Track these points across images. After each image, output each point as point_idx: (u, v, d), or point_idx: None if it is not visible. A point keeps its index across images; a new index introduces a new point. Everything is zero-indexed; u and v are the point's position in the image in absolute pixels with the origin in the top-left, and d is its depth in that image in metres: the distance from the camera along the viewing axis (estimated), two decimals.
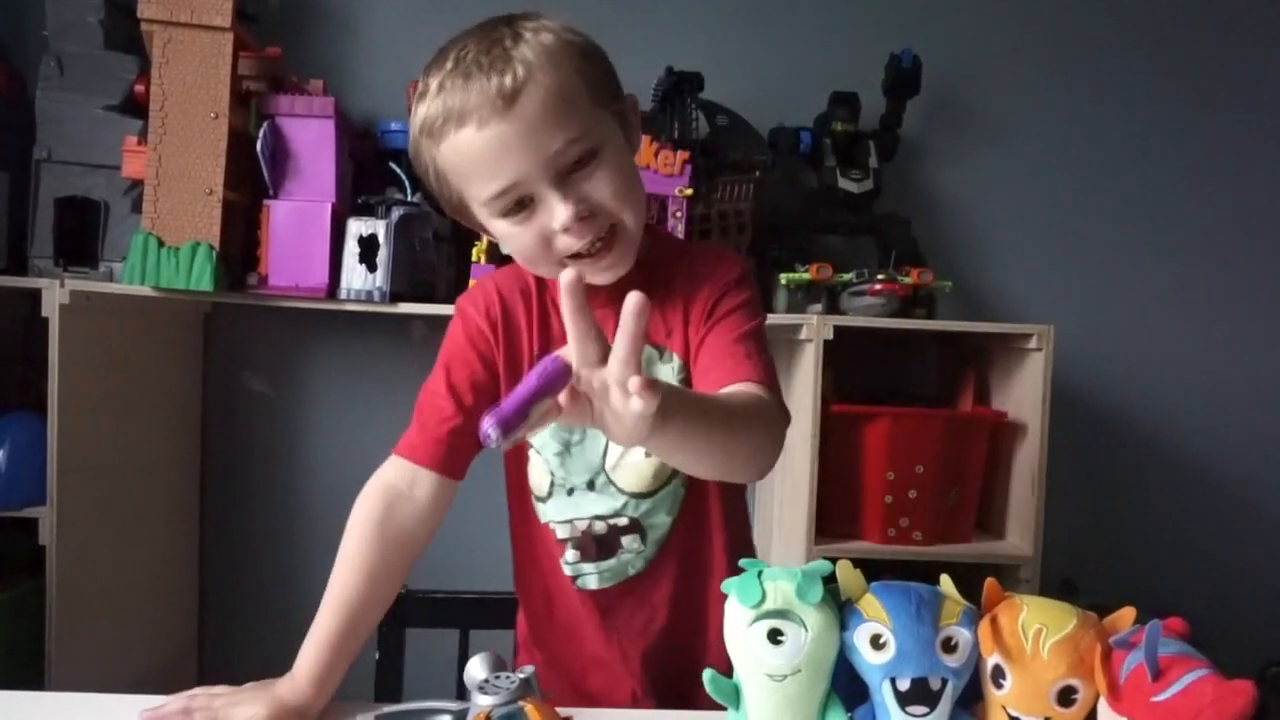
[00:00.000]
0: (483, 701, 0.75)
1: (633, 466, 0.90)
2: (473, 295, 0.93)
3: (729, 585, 0.76)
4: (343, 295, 1.46)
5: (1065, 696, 0.69)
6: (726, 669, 0.75)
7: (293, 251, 1.44)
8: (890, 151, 1.82)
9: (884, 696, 0.73)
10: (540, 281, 0.91)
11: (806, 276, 1.60)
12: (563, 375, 0.59)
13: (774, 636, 0.72)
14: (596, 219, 0.81)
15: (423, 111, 0.80)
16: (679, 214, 1.52)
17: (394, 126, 1.60)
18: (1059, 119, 1.94)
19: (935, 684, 0.72)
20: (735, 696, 0.76)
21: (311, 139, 1.45)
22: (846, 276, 1.60)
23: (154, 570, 1.71)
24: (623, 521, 0.92)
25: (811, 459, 1.48)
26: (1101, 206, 1.95)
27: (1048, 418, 1.52)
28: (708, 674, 0.76)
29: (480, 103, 0.76)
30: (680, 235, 1.53)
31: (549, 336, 0.90)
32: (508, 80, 0.76)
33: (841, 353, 1.51)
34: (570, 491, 0.92)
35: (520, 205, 0.80)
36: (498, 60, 0.77)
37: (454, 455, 0.89)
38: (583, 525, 0.92)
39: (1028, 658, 0.70)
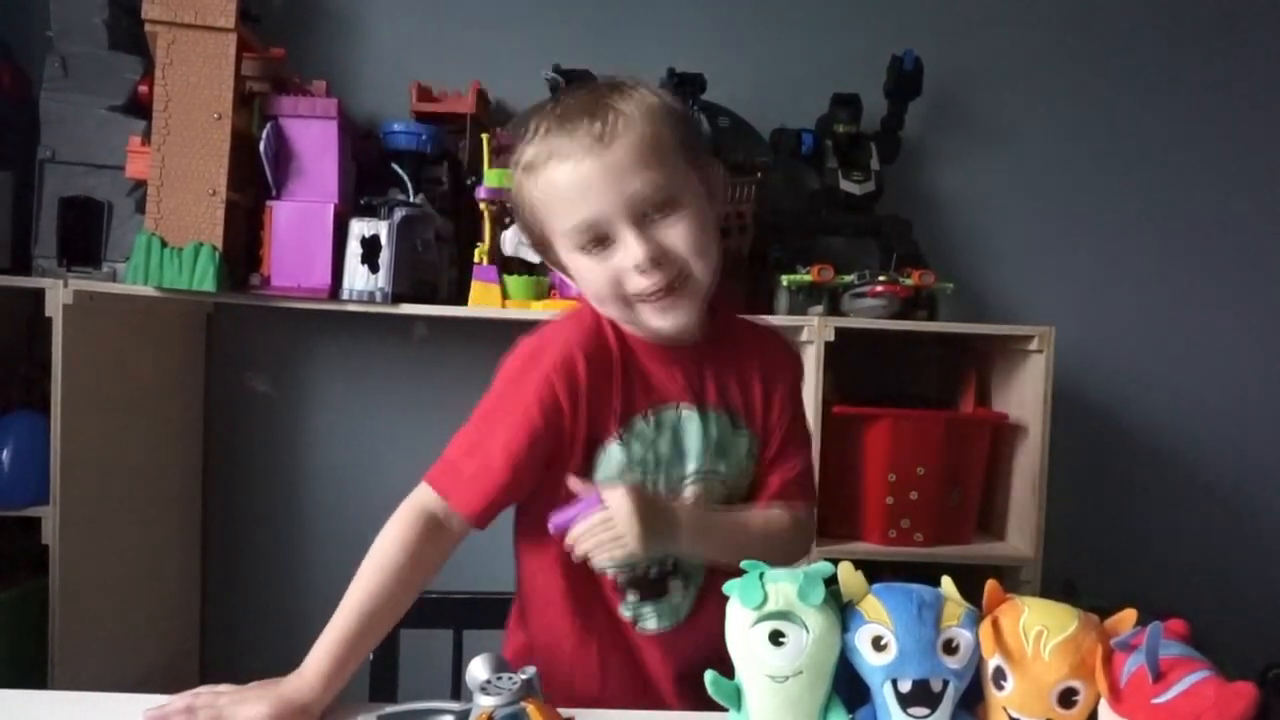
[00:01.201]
0: (485, 702, 0.76)
1: None
2: (556, 362, 0.89)
3: (731, 587, 0.76)
4: (345, 296, 1.46)
5: (1066, 698, 0.69)
6: None
7: (295, 252, 1.45)
8: (892, 153, 1.82)
9: (885, 698, 0.73)
10: (620, 337, 0.92)
11: (808, 278, 1.60)
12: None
13: (776, 638, 0.72)
14: (668, 265, 0.85)
15: (524, 150, 0.87)
16: None
17: (396, 127, 1.60)
18: (1060, 121, 1.94)
19: (937, 685, 0.72)
20: (737, 697, 0.77)
21: (314, 140, 1.45)
22: (848, 278, 1.60)
23: (156, 570, 1.72)
24: (669, 565, 0.96)
25: (814, 460, 1.48)
26: (1102, 208, 1.95)
27: (1049, 419, 1.53)
28: (709, 675, 0.76)
29: (578, 143, 0.83)
30: None
31: (630, 393, 0.91)
32: (604, 125, 0.83)
33: (843, 354, 1.51)
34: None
35: (598, 241, 0.85)
36: (599, 109, 0.84)
37: (491, 511, 0.90)
38: (640, 570, 0.95)
39: (1029, 659, 0.70)
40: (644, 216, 0.84)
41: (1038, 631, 0.70)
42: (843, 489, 1.54)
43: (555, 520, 0.81)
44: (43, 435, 1.44)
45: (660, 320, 0.88)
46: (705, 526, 0.91)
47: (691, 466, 0.93)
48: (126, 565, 1.61)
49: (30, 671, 1.41)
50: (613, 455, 0.90)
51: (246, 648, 1.85)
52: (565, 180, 0.84)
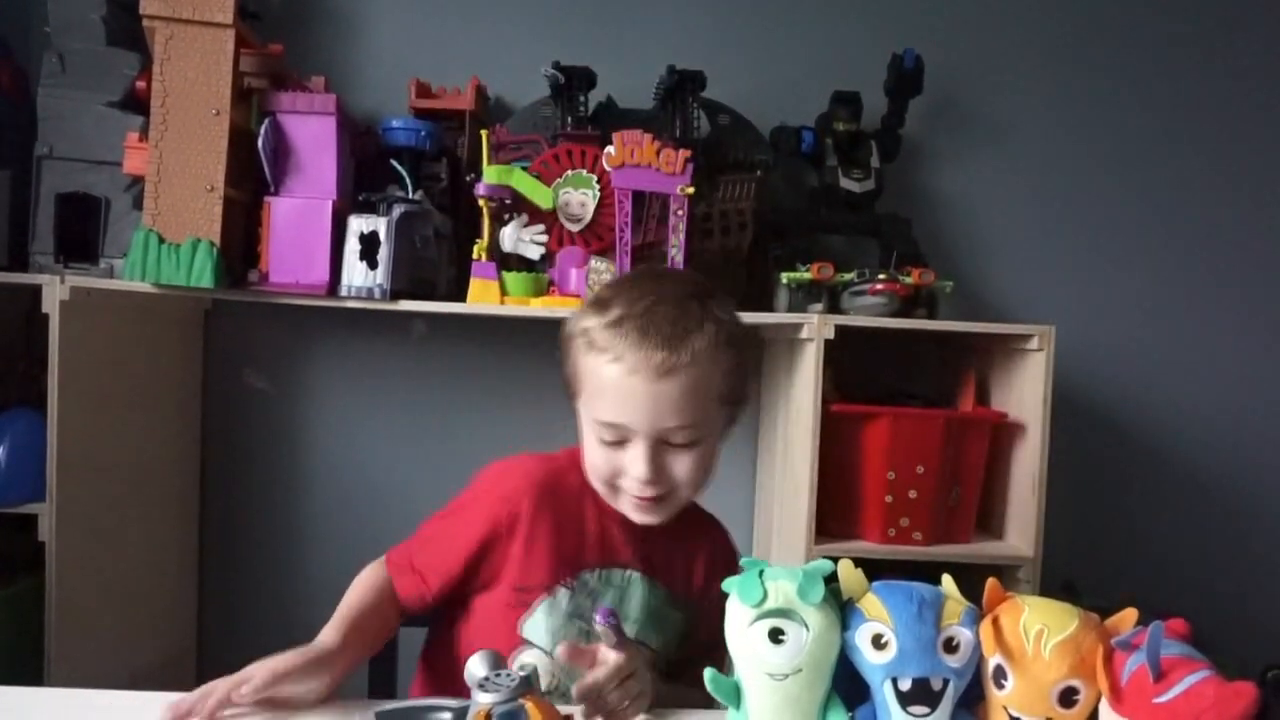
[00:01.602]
0: (483, 699, 0.75)
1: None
2: (511, 483, 0.99)
3: (730, 584, 0.76)
4: (343, 292, 1.45)
5: (1067, 697, 0.69)
6: None
7: (293, 248, 1.44)
8: (892, 151, 1.81)
9: (885, 696, 0.73)
10: (585, 485, 0.99)
11: (808, 276, 1.59)
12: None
13: (775, 636, 0.72)
14: (663, 485, 0.93)
15: (594, 324, 0.91)
16: (680, 213, 1.52)
17: (395, 124, 1.60)
18: (1061, 119, 1.94)
19: (937, 684, 0.72)
20: (736, 695, 0.76)
21: (313, 136, 1.45)
22: (848, 276, 1.60)
23: (154, 567, 1.71)
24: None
25: (812, 459, 1.48)
26: (1103, 207, 1.95)
27: (1049, 419, 1.52)
28: (709, 673, 0.76)
29: (641, 361, 0.88)
30: (682, 235, 1.53)
31: (583, 544, 0.98)
32: (672, 359, 0.88)
33: (842, 353, 1.51)
34: (564, 694, 0.95)
35: (615, 439, 0.92)
36: (676, 340, 0.88)
37: (420, 608, 1.00)
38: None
39: (1029, 659, 0.70)
40: (663, 442, 0.91)
41: (1038, 630, 0.70)
42: (841, 488, 1.54)
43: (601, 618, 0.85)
44: (39, 432, 1.44)
45: (636, 516, 0.96)
46: (680, 690, 0.93)
47: (629, 631, 0.96)
48: (123, 563, 1.60)
49: (26, 670, 1.41)
50: (560, 603, 0.96)
51: (244, 645, 1.81)
52: (615, 381, 0.89)
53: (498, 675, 0.78)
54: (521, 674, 0.78)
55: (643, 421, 0.89)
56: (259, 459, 1.87)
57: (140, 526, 1.65)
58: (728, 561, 1.05)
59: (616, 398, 0.89)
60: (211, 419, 1.86)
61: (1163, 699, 0.63)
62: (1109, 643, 0.69)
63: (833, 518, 1.54)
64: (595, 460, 0.94)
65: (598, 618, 0.86)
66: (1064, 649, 0.69)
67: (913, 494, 1.54)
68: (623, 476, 0.93)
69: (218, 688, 0.80)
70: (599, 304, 0.94)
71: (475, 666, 0.80)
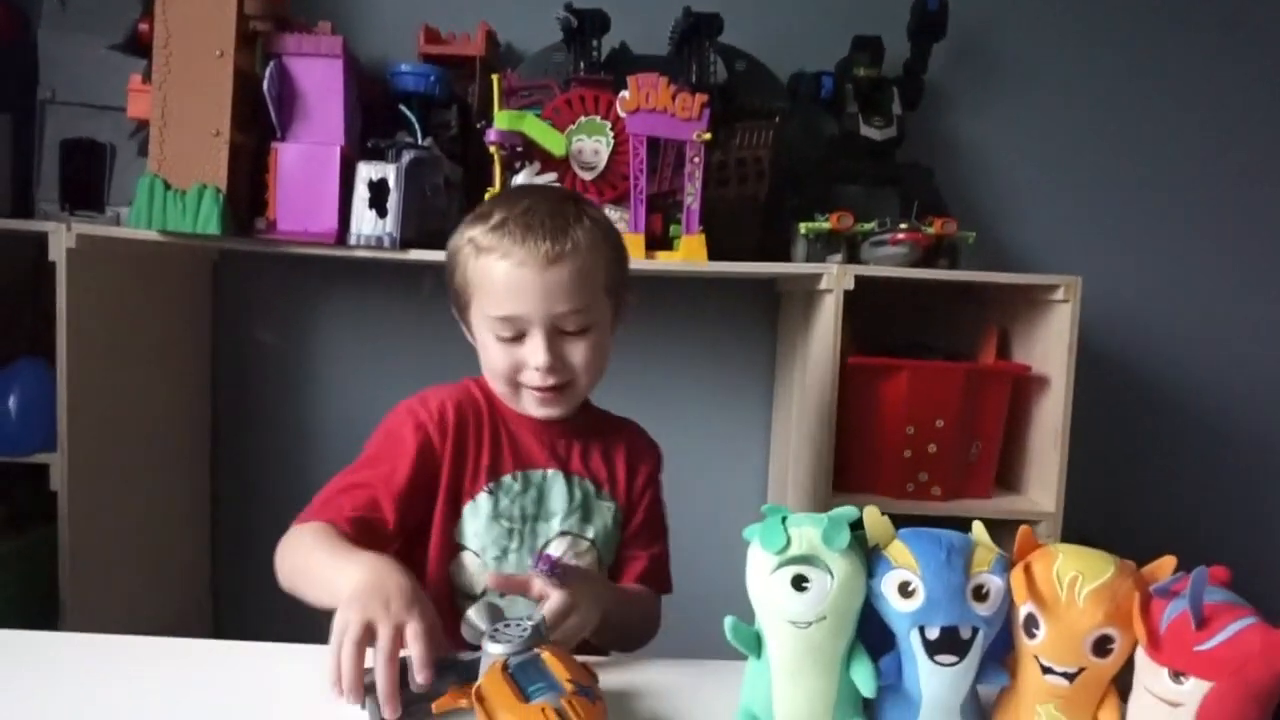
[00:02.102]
0: (495, 650, 0.73)
1: None
2: (431, 411, 1.00)
3: (751, 531, 0.74)
4: (352, 241, 1.42)
5: (1101, 646, 0.67)
6: None
7: (301, 196, 1.41)
8: (914, 98, 1.76)
9: (911, 645, 0.71)
10: (491, 405, 1.03)
11: (826, 226, 1.55)
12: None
13: (798, 583, 0.70)
14: (562, 373, 0.97)
15: (479, 231, 0.96)
16: (696, 160, 1.48)
17: (404, 68, 1.56)
18: (1090, 63, 1.87)
19: (965, 633, 0.70)
20: (757, 644, 0.74)
21: (319, 79, 1.41)
22: (868, 226, 1.56)
23: (166, 518, 1.71)
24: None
25: (830, 412, 1.45)
26: (1132, 156, 1.89)
27: (1073, 372, 1.49)
28: (729, 621, 0.74)
29: (528, 253, 0.93)
30: (698, 182, 1.49)
31: (499, 452, 1.01)
32: (556, 248, 0.93)
33: (861, 306, 1.48)
34: (502, 594, 0.96)
35: (512, 334, 0.95)
36: (558, 231, 0.94)
37: (373, 512, 0.94)
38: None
39: (1062, 606, 0.67)
40: (558, 330, 0.96)
41: (1072, 577, 0.68)
42: (859, 442, 1.52)
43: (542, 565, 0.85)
44: (49, 382, 1.43)
45: (538, 410, 1.00)
46: (615, 597, 0.97)
47: (556, 525, 1.01)
48: (136, 513, 1.60)
49: (41, 619, 1.41)
50: (481, 506, 0.99)
51: (259, 593, 1.84)
52: (505, 277, 0.93)
53: (506, 626, 0.76)
54: (531, 622, 0.76)
55: (536, 309, 0.93)
56: (270, 410, 1.86)
57: (152, 477, 1.65)
58: (646, 452, 1.10)
59: (510, 291, 0.93)
60: (221, 370, 1.84)
61: (1205, 646, 0.60)
62: (1146, 590, 0.67)
63: (850, 473, 1.51)
64: (495, 361, 0.97)
65: (540, 565, 0.85)
66: (1099, 596, 0.66)
67: (932, 448, 1.51)
68: (523, 371, 0.96)
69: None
70: (479, 216, 0.98)
71: (476, 619, 0.77)
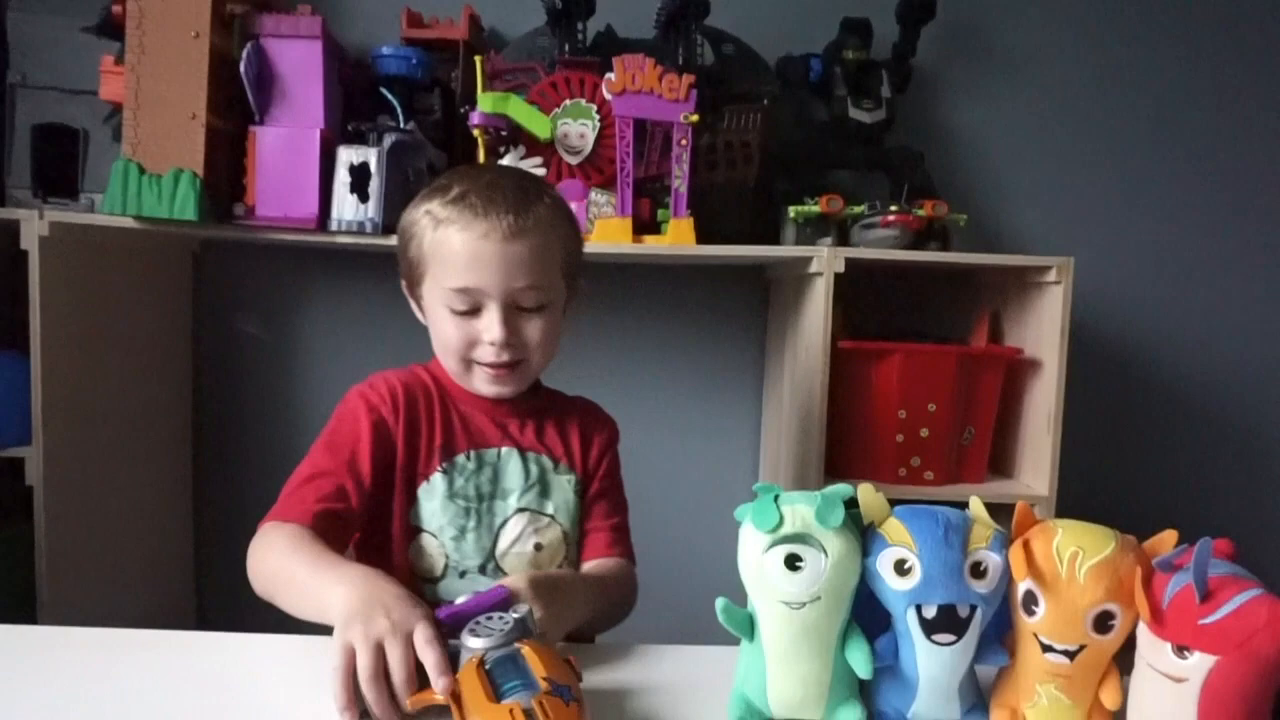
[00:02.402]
0: (474, 644, 0.70)
1: (521, 556, 0.99)
2: (380, 392, 0.99)
3: (743, 510, 0.72)
4: (333, 227, 1.40)
5: (1102, 623, 0.65)
6: None
7: (281, 181, 1.38)
8: (904, 82, 1.74)
9: (908, 625, 0.69)
10: (440, 387, 1.02)
11: (816, 209, 1.53)
12: (504, 600, 0.77)
13: (792, 562, 0.68)
14: (516, 350, 0.96)
15: (436, 204, 0.95)
16: (684, 142, 1.46)
17: (386, 51, 1.53)
18: (1080, 47, 1.86)
19: (963, 611, 0.68)
20: (750, 627, 0.72)
21: (298, 60, 1.38)
22: (858, 209, 1.54)
23: (148, 512, 1.68)
24: None
25: (821, 397, 1.44)
26: (1123, 140, 1.88)
27: (1065, 354, 1.47)
28: (720, 602, 0.72)
29: (491, 226, 0.92)
30: (685, 166, 1.47)
31: (451, 433, 0.99)
32: (518, 221, 0.92)
33: (851, 292, 1.46)
34: (463, 574, 0.97)
35: (467, 308, 0.94)
36: (520, 208, 0.93)
37: (329, 529, 0.90)
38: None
39: (1063, 583, 0.66)
40: (514, 306, 0.95)
41: (1072, 553, 0.66)
42: (851, 427, 1.50)
43: (444, 613, 0.74)
44: (24, 375, 1.39)
45: (489, 388, 0.99)
46: (589, 598, 0.93)
47: (513, 503, 0.99)
48: (117, 507, 1.57)
49: (18, 617, 1.37)
50: (436, 486, 0.97)
51: (244, 590, 1.81)
52: (465, 248, 0.92)
53: (489, 619, 0.73)
54: (515, 616, 0.73)
55: (495, 283, 0.92)
56: (252, 402, 1.83)
57: (132, 470, 1.61)
58: (601, 424, 1.08)
59: (469, 262, 0.92)
60: (203, 362, 1.81)
61: (1210, 619, 0.58)
62: (1148, 564, 0.65)
63: (842, 458, 1.50)
64: (448, 335, 0.96)
65: (442, 616, 0.75)
66: (1100, 572, 0.65)
67: (924, 433, 1.50)
68: (477, 346, 0.95)
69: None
70: (437, 189, 0.97)
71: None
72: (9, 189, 1.43)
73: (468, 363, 0.97)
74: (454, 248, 0.92)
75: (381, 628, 0.69)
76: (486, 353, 0.95)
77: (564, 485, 1.02)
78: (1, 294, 1.56)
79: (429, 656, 0.68)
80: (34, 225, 1.35)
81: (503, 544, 0.98)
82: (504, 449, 1.00)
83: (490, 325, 0.93)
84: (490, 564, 0.98)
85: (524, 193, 0.95)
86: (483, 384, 0.98)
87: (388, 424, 0.97)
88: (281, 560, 0.85)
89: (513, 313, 0.95)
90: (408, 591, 0.75)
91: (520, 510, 0.99)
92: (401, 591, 0.75)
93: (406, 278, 1.01)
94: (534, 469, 1.01)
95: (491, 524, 0.98)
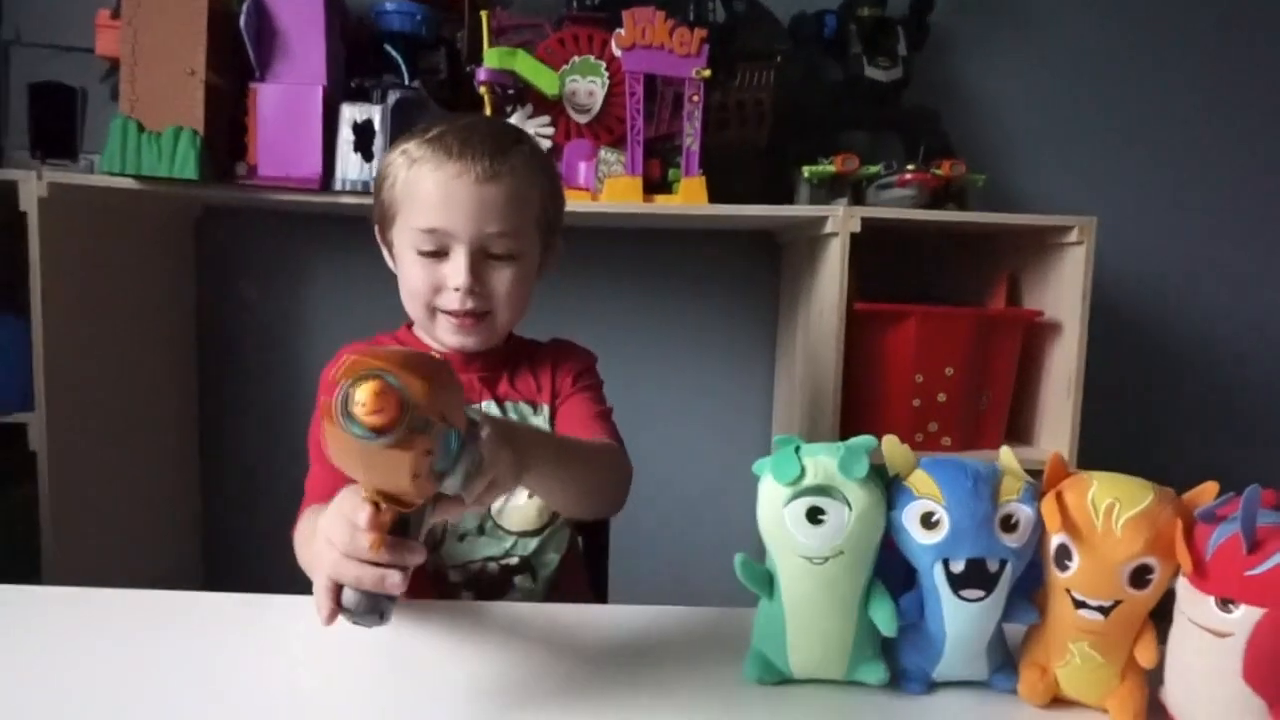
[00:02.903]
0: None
1: (518, 508, 0.97)
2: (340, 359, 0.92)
3: (762, 464, 0.69)
4: (337, 186, 1.37)
5: (1139, 577, 0.63)
6: None
7: (283, 139, 1.35)
8: (920, 39, 1.69)
9: (935, 580, 0.66)
10: (407, 345, 0.99)
11: (831, 169, 1.50)
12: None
13: (813, 515, 0.65)
14: (481, 299, 0.92)
15: (413, 144, 0.92)
16: (695, 98, 1.42)
17: (389, 7, 1.49)
18: (1100, 2, 1.80)
19: (993, 565, 0.65)
20: (769, 583, 0.70)
21: (299, 15, 1.34)
22: (873, 169, 1.50)
23: (153, 476, 1.66)
24: (513, 561, 0.98)
25: (836, 360, 1.41)
26: (1143, 98, 1.83)
27: (1087, 317, 1.44)
28: (739, 558, 0.69)
29: (464, 166, 0.89)
30: (697, 124, 1.43)
31: None
32: (494, 165, 0.89)
33: (866, 255, 1.42)
34: (461, 537, 0.95)
35: (435, 250, 0.91)
36: (497, 152, 0.90)
37: None
38: (476, 568, 0.97)
39: (1098, 535, 0.63)
40: (484, 253, 0.91)
41: (1109, 505, 0.63)
42: (866, 391, 1.47)
43: None
44: (24, 340, 1.37)
45: (452, 339, 0.95)
46: (557, 445, 0.84)
47: None
48: (121, 472, 1.55)
49: (23, 579, 1.36)
50: None
51: (251, 551, 1.80)
52: (437, 188, 0.89)
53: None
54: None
55: (465, 225, 0.89)
56: (257, 369, 1.81)
57: (138, 435, 1.59)
58: (573, 355, 1.05)
59: (440, 202, 0.89)
60: (206, 327, 1.79)
61: (1257, 571, 0.56)
62: (1189, 515, 0.62)
63: (856, 422, 1.47)
64: (413, 280, 0.93)
65: None
66: (1138, 524, 0.62)
67: (941, 397, 1.47)
68: (441, 293, 0.92)
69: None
70: (417, 131, 0.94)
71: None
72: (6, 150, 1.41)
73: (432, 310, 0.94)
74: (426, 187, 0.89)
75: (322, 542, 0.63)
76: (451, 299, 0.91)
77: (541, 423, 0.99)
78: (1, 258, 1.54)
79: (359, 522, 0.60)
80: (32, 186, 1.32)
81: (498, 500, 0.94)
82: (482, 403, 0.97)
83: (457, 270, 0.90)
84: (488, 522, 0.96)
85: (502, 138, 0.92)
86: (447, 334, 0.94)
87: None
88: (307, 551, 0.80)
89: (481, 260, 0.91)
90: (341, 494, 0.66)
91: None
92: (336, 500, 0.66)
93: (379, 221, 0.98)
94: (514, 418, 0.97)
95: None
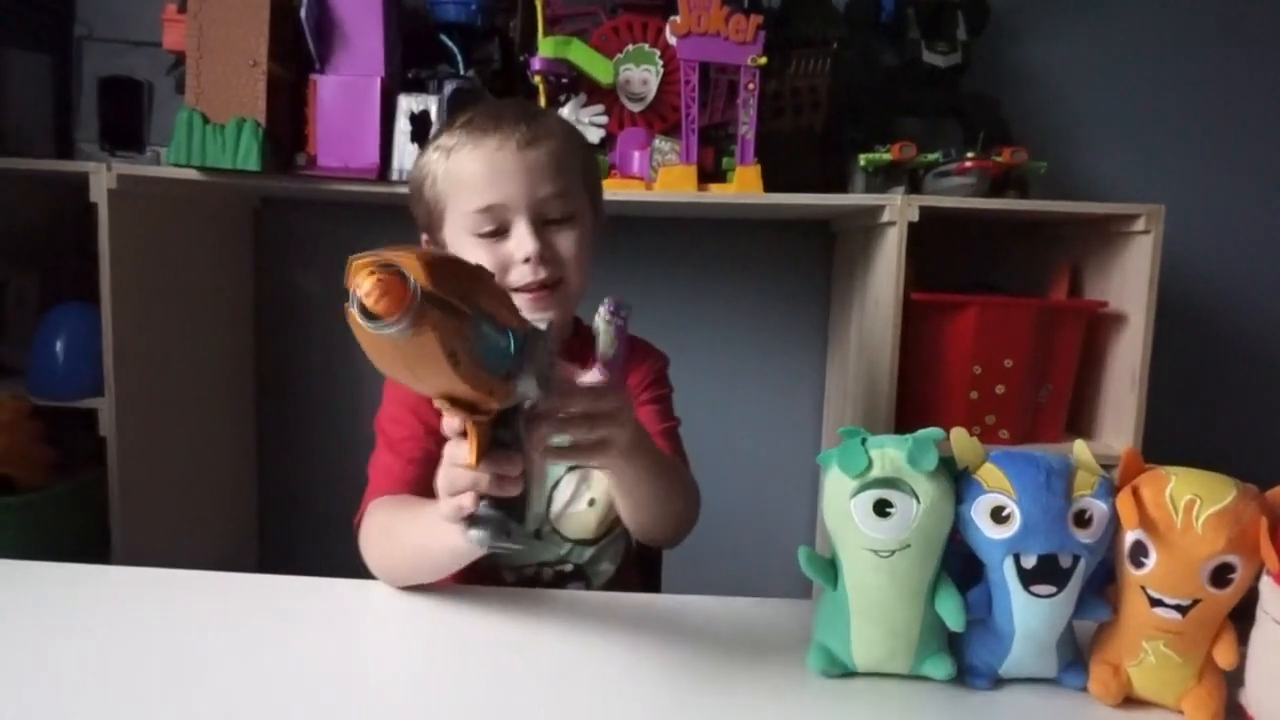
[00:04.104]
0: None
1: (576, 516, 0.97)
2: None
3: (828, 456, 0.68)
4: (394, 176, 1.38)
5: (1220, 576, 0.61)
6: None
7: (342, 130, 1.36)
8: (980, 23, 1.65)
9: (1005, 575, 0.65)
10: None
11: (887, 157, 1.47)
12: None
13: (881, 508, 0.65)
14: (552, 265, 0.89)
15: (443, 138, 0.92)
16: (751, 86, 1.41)
17: None
18: None
19: (1065, 561, 0.64)
20: (834, 575, 0.69)
21: (358, 7, 1.35)
22: (931, 156, 1.47)
23: (214, 460, 1.71)
24: (568, 568, 0.98)
25: (892, 351, 1.39)
26: (1216, 81, 1.77)
27: (1153, 308, 1.40)
28: (803, 551, 0.69)
29: (503, 138, 0.88)
30: (752, 112, 1.42)
31: None
32: (530, 130, 0.89)
33: (923, 245, 1.40)
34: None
35: (495, 230, 0.89)
36: (528, 118, 0.91)
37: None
38: (530, 571, 0.97)
39: (1177, 532, 0.61)
40: (542, 219, 0.89)
41: (1189, 500, 0.61)
42: (923, 382, 1.45)
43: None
44: (95, 327, 1.41)
45: (531, 313, 0.88)
46: (660, 455, 0.84)
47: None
48: (184, 456, 1.59)
49: (93, 561, 1.41)
50: None
51: (306, 537, 1.85)
52: (481, 165, 0.88)
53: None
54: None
55: (519, 193, 0.88)
56: (315, 356, 1.84)
57: (199, 420, 1.64)
58: (645, 358, 1.03)
59: (489, 178, 0.88)
60: (265, 316, 1.82)
61: None
62: (1274, 513, 0.60)
63: (912, 415, 1.45)
64: (484, 264, 0.88)
65: (602, 309, 0.77)
66: (1220, 521, 0.60)
67: (1000, 389, 1.44)
68: (511, 269, 0.89)
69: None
70: (441, 129, 0.95)
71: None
72: (77, 142, 1.44)
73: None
74: (471, 168, 0.88)
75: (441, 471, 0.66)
76: (521, 273, 0.88)
77: None
78: (71, 247, 1.59)
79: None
80: (102, 178, 1.35)
81: (556, 505, 0.96)
82: None
83: (521, 241, 0.87)
84: (545, 527, 0.96)
85: (530, 107, 0.96)
86: (524, 311, 0.92)
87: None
88: (394, 536, 0.83)
89: (542, 226, 0.89)
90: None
91: (571, 469, 0.96)
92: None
93: (426, 226, 0.95)
94: None
95: (544, 487, 0.95)
